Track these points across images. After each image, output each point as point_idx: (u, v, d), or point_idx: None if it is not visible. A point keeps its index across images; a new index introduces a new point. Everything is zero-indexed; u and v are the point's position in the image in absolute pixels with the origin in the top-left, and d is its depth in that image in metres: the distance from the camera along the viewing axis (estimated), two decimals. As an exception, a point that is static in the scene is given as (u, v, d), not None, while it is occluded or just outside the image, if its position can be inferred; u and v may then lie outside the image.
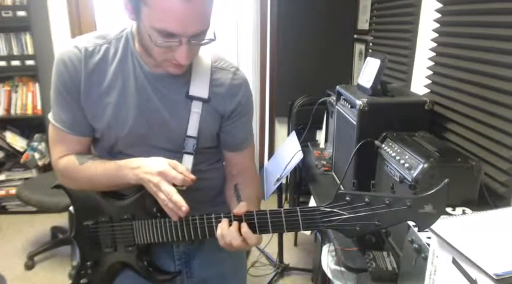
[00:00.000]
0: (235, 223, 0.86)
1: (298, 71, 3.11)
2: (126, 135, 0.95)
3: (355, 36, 3.02)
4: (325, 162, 1.96)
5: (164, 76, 0.94)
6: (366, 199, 0.76)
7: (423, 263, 0.86)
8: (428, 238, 0.85)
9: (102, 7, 3.16)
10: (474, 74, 1.38)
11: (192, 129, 0.96)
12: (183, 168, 0.88)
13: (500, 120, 1.23)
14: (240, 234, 0.85)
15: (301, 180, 2.74)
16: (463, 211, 1.00)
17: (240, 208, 0.87)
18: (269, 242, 2.66)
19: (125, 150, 0.98)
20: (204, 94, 0.96)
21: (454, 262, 0.74)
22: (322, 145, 2.28)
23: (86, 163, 0.96)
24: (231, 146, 1.07)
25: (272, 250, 2.59)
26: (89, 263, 1.03)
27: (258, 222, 0.85)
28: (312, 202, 2.49)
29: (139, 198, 0.95)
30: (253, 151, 1.13)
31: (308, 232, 2.51)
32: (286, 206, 3.15)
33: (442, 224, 0.78)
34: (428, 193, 0.72)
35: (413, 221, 0.74)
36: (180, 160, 0.97)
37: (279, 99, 3.23)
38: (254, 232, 0.85)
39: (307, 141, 2.32)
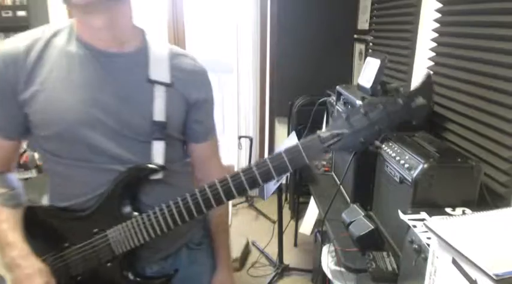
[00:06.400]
0: None
1: (298, 71, 3.11)
2: (77, 119, 0.85)
3: (355, 36, 3.02)
4: (325, 162, 1.96)
5: (118, 57, 0.88)
6: (361, 110, 0.79)
7: (423, 263, 0.86)
8: (428, 238, 0.85)
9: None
10: (474, 74, 1.38)
11: (159, 114, 0.90)
12: None
13: (500, 120, 1.23)
14: None
15: (301, 180, 2.74)
16: (463, 211, 1.00)
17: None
18: (269, 242, 2.66)
19: (84, 138, 0.87)
20: (166, 79, 0.92)
21: (454, 262, 0.73)
22: (322, 146, 2.27)
23: None
24: (197, 136, 1.01)
25: (272, 250, 2.59)
26: None
27: (246, 179, 0.83)
28: (312, 203, 2.49)
29: (105, 203, 0.88)
30: (217, 145, 1.08)
31: (308, 232, 2.51)
32: (286, 207, 3.15)
33: (442, 225, 0.78)
34: (415, 87, 0.80)
35: (410, 117, 0.80)
36: (148, 149, 0.90)
37: (279, 99, 3.22)
38: (245, 190, 0.84)
39: (307, 141, 2.31)
